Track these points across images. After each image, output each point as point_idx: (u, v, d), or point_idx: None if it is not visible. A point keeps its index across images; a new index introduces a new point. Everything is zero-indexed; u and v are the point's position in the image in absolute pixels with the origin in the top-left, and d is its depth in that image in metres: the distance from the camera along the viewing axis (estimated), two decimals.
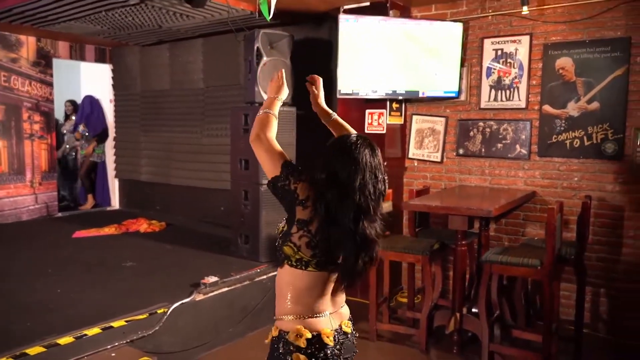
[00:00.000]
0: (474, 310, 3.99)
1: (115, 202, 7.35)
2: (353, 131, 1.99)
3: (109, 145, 7.32)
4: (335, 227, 1.52)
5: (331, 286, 1.62)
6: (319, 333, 1.55)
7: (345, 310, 1.71)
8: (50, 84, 6.50)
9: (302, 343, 1.52)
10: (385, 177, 1.61)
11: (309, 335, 1.53)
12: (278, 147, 1.67)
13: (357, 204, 1.52)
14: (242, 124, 4.52)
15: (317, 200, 1.53)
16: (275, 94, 1.86)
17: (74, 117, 7.30)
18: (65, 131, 7.19)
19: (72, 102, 7.39)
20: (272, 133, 1.70)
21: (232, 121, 4.70)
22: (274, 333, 1.62)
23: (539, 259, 3.41)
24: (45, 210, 6.44)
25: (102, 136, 7.24)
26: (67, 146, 7.21)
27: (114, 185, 7.36)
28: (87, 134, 7.08)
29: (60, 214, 6.59)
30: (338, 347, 1.58)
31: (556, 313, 3.70)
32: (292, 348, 1.53)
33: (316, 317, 1.57)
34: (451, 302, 3.86)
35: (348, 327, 1.67)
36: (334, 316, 1.63)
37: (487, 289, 3.65)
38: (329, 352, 1.55)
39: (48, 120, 6.52)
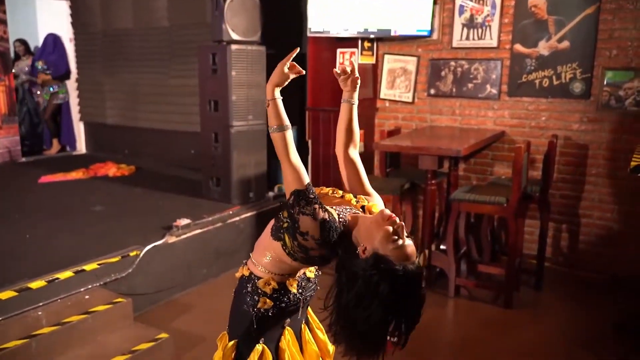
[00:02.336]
0: (442, 247, 4.13)
1: (81, 146, 7.16)
2: (357, 135, 1.80)
3: (72, 87, 7.04)
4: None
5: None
6: (285, 282, 1.64)
7: None
8: (3, 22, 6.12)
9: (269, 290, 1.62)
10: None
11: (276, 286, 1.63)
12: (299, 169, 1.50)
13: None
14: (210, 64, 4.38)
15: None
16: (270, 94, 1.58)
17: (25, 58, 6.92)
18: (16, 72, 6.80)
19: (23, 42, 6.96)
20: (292, 150, 1.52)
21: (199, 61, 4.54)
22: (245, 272, 1.67)
23: (505, 196, 3.51)
24: (7, 155, 6.23)
25: (65, 78, 6.94)
26: (19, 85, 6.84)
27: (79, 129, 7.15)
28: (47, 71, 6.75)
29: (24, 159, 6.40)
30: (300, 290, 1.68)
31: (520, 248, 3.85)
32: (259, 291, 1.62)
33: (286, 275, 1.65)
34: (420, 239, 3.97)
35: (311, 273, 1.73)
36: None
37: (455, 227, 3.77)
38: (291, 296, 1.66)
39: (4, 61, 6.18)
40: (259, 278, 1.62)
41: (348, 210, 1.60)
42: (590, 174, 4.14)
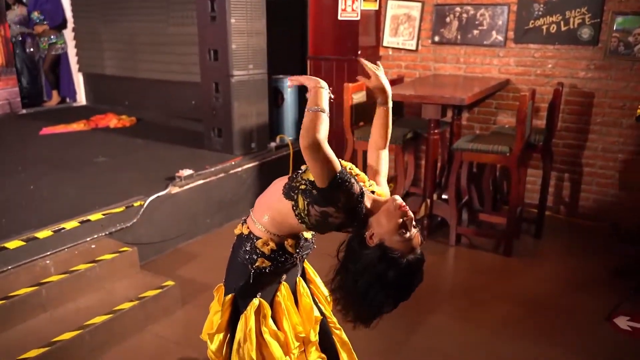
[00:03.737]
0: (444, 196, 4.14)
1: (81, 98, 7.10)
2: (389, 135, 1.81)
3: (69, 37, 6.90)
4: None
5: None
6: (283, 243, 1.65)
7: None
8: None
9: (267, 251, 1.63)
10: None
11: (274, 247, 1.63)
12: (333, 158, 1.42)
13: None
14: (209, 11, 4.27)
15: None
16: (316, 82, 1.54)
17: (16, 7, 6.72)
18: (8, 22, 6.61)
19: None
20: (326, 137, 1.44)
21: (198, 8, 4.42)
22: (244, 231, 1.68)
23: (508, 146, 3.49)
24: (7, 107, 6.18)
25: (62, 27, 6.78)
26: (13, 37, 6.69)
27: (78, 80, 7.06)
28: (44, 22, 6.59)
29: (24, 111, 6.35)
30: (297, 250, 1.68)
31: (521, 197, 3.87)
32: (258, 251, 1.63)
33: (284, 236, 1.65)
34: (422, 189, 3.98)
35: (309, 233, 1.73)
36: None
37: (457, 176, 3.77)
38: (288, 256, 1.67)
39: None
40: (257, 238, 1.63)
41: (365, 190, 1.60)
42: (595, 123, 4.10)
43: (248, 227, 1.67)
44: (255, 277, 1.66)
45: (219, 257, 3.46)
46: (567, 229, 4.16)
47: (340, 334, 1.93)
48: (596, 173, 4.17)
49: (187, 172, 3.80)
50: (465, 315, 2.99)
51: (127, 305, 2.78)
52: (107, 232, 3.21)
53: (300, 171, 1.56)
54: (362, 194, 1.50)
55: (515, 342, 2.74)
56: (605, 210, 4.16)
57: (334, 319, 1.92)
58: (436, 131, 3.70)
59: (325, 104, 1.48)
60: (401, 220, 1.43)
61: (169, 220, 3.66)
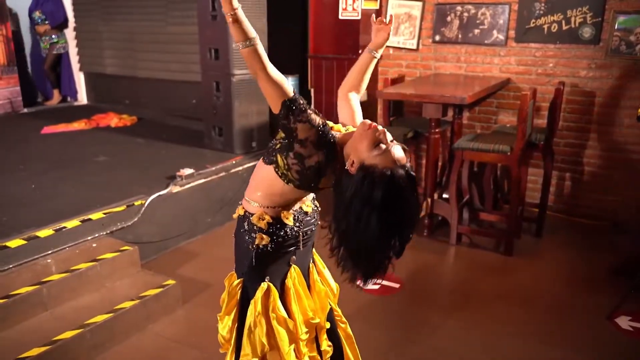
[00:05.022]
0: (444, 195, 4.14)
1: (82, 97, 7.10)
2: (365, 84, 1.85)
3: (70, 36, 6.90)
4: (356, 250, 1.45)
5: (303, 198, 1.67)
6: (279, 217, 1.65)
7: (308, 196, 1.75)
8: None
9: (264, 225, 1.63)
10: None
11: (270, 220, 1.63)
12: (280, 80, 1.45)
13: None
14: (210, 9, 4.27)
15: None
16: (229, 7, 1.41)
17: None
18: None
19: None
20: (267, 62, 1.44)
21: (198, 7, 4.42)
22: (240, 212, 1.70)
23: (509, 145, 3.49)
24: (9, 106, 6.19)
25: (63, 27, 6.79)
26: None
27: (79, 79, 7.07)
28: (45, 22, 6.60)
29: (25, 110, 6.36)
30: (297, 224, 1.68)
31: (522, 196, 3.86)
32: (255, 228, 1.64)
33: (278, 208, 1.65)
34: (423, 188, 3.98)
35: (308, 207, 1.73)
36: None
37: (458, 175, 3.77)
38: (288, 230, 1.66)
39: (0, 9, 6.03)
40: (252, 214, 1.64)
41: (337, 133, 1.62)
42: (596, 122, 4.09)
43: (243, 208, 1.69)
44: (258, 257, 1.65)
45: (219, 256, 3.48)
46: (568, 228, 4.15)
47: (345, 327, 1.93)
48: (596, 172, 4.17)
49: (187, 171, 3.81)
50: (465, 314, 2.98)
51: (127, 304, 2.78)
52: (108, 231, 3.21)
53: (275, 139, 1.58)
54: (324, 123, 1.50)
55: (516, 341, 2.74)
56: (606, 210, 4.15)
57: (340, 312, 1.92)
58: (437, 130, 3.70)
59: (251, 30, 1.43)
60: (374, 136, 1.43)
61: (170, 219, 3.66)
